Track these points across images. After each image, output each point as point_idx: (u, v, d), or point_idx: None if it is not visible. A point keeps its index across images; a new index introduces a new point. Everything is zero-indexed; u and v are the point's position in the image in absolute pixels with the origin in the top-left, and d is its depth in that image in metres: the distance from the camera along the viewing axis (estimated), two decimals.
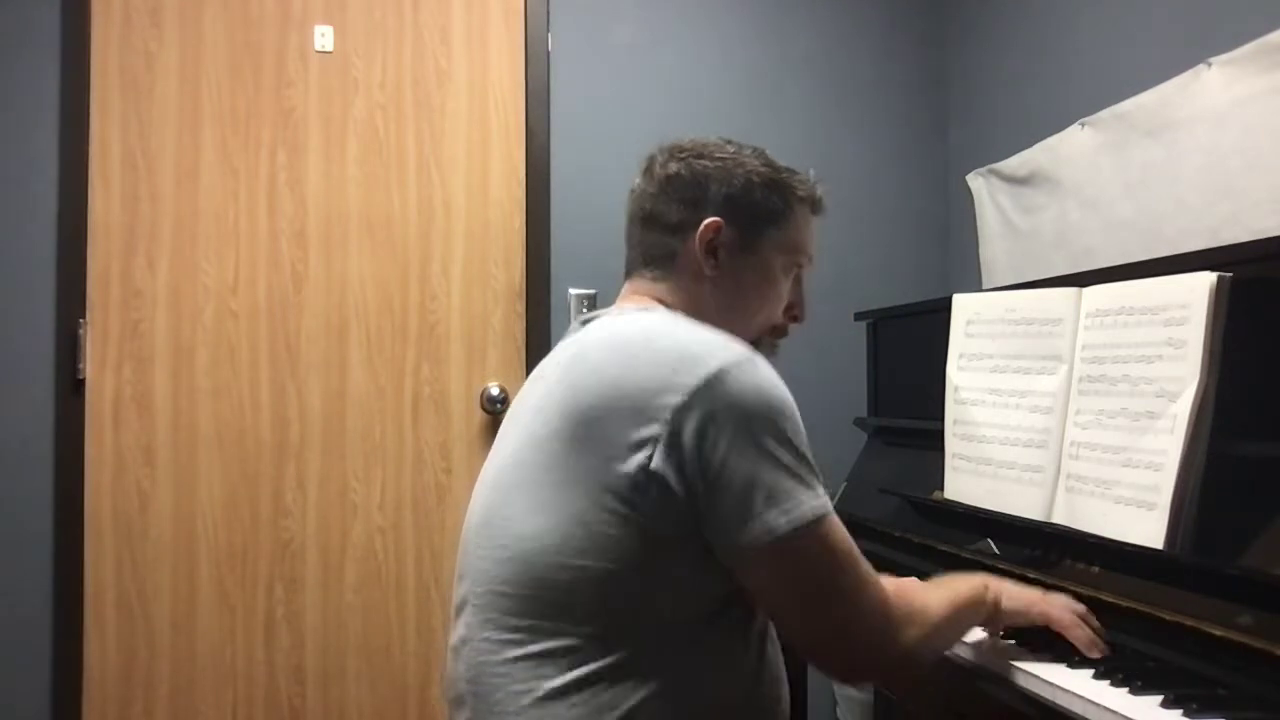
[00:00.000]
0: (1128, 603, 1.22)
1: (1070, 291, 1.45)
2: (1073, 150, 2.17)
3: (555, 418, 1.06)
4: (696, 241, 1.18)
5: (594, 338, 1.14)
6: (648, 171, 1.24)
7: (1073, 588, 1.32)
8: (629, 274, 1.25)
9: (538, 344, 2.51)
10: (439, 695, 2.45)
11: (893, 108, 2.82)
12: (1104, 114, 2.07)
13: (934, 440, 1.73)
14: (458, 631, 1.12)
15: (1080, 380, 1.40)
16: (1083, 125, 2.14)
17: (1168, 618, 1.16)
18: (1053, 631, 1.20)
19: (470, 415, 2.53)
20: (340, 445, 2.47)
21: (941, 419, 1.70)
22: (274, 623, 2.42)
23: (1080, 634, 1.17)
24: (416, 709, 2.48)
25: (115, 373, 2.36)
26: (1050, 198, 2.27)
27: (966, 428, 1.64)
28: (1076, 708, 1.07)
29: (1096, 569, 1.31)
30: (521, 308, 2.57)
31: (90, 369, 2.35)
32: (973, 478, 1.61)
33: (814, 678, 2.31)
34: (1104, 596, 1.26)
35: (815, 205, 1.26)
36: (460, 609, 1.13)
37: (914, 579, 1.36)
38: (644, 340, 1.08)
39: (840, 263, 2.70)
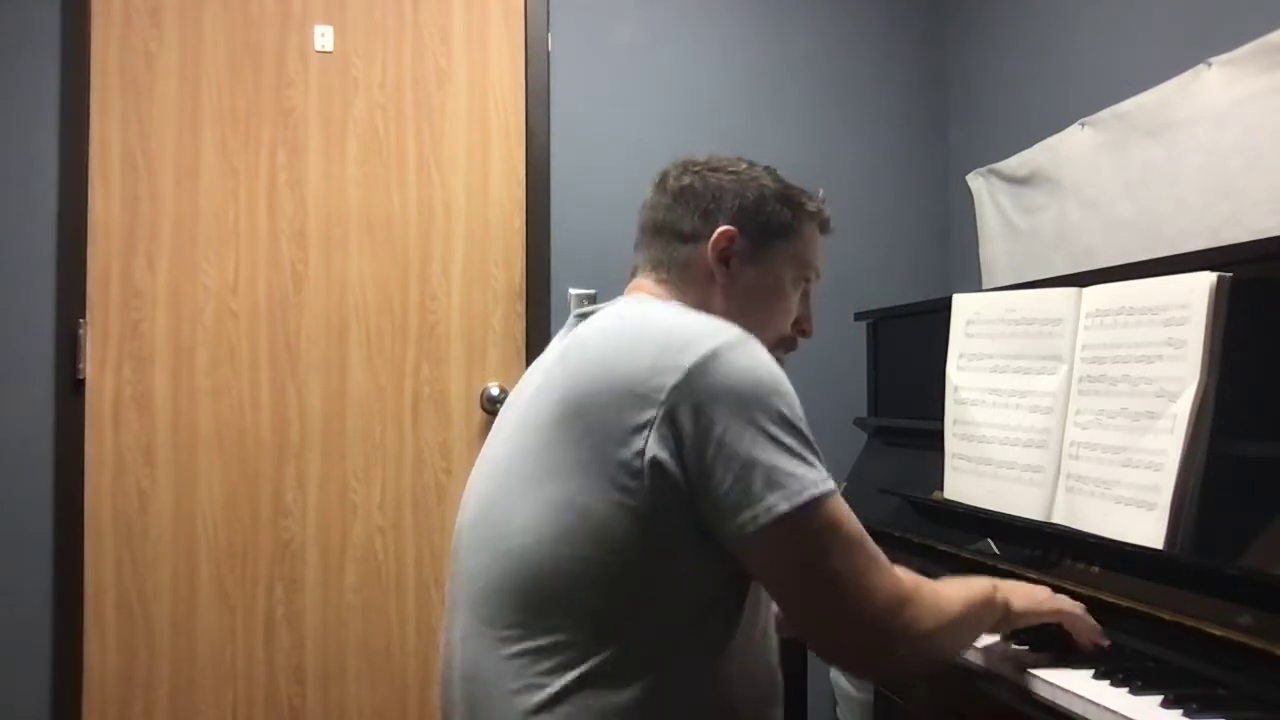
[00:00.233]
0: (1128, 603, 1.22)
1: (1070, 291, 1.45)
2: (1073, 150, 2.17)
3: (550, 406, 1.06)
4: (710, 249, 1.19)
5: (589, 329, 1.14)
6: (660, 185, 1.25)
7: (1073, 588, 1.32)
8: (634, 275, 1.25)
9: (538, 344, 2.51)
10: (440, 691, 2.45)
11: (893, 108, 2.82)
12: (1104, 114, 2.08)
13: (934, 440, 1.73)
14: (453, 629, 1.12)
15: (1080, 380, 1.40)
16: (1083, 125, 2.14)
17: (1168, 618, 1.16)
18: (1051, 631, 1.20)
19: (470, 415, 2.53)
20: (340, 445, 2.47)
21: (941, 419, 1.70)
22: (274, 623, 2.42)
23: (1086, 626, 1.18)
24: (416, 709, 2.48)
25: (115, 373, 2.36)
26: (1050, 198, 2.27)
27: (966, 428, 1.64)
28: (1076, 708, 1.07)
29: (1096, 569, 1.31)
30: (521, 308, 2.57)
31: (90, 369, 2.35)
32: (973, 478, 1.61)
33: (814, 677, 2.31)
34: (1104, 596, 1.26)
35: (824, 224, 1.28)
36: (454, 604, 1.13)
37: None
38: (637, 326, 1.08)
39: (840, 263, 2.67)
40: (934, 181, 2.84)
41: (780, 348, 1.27)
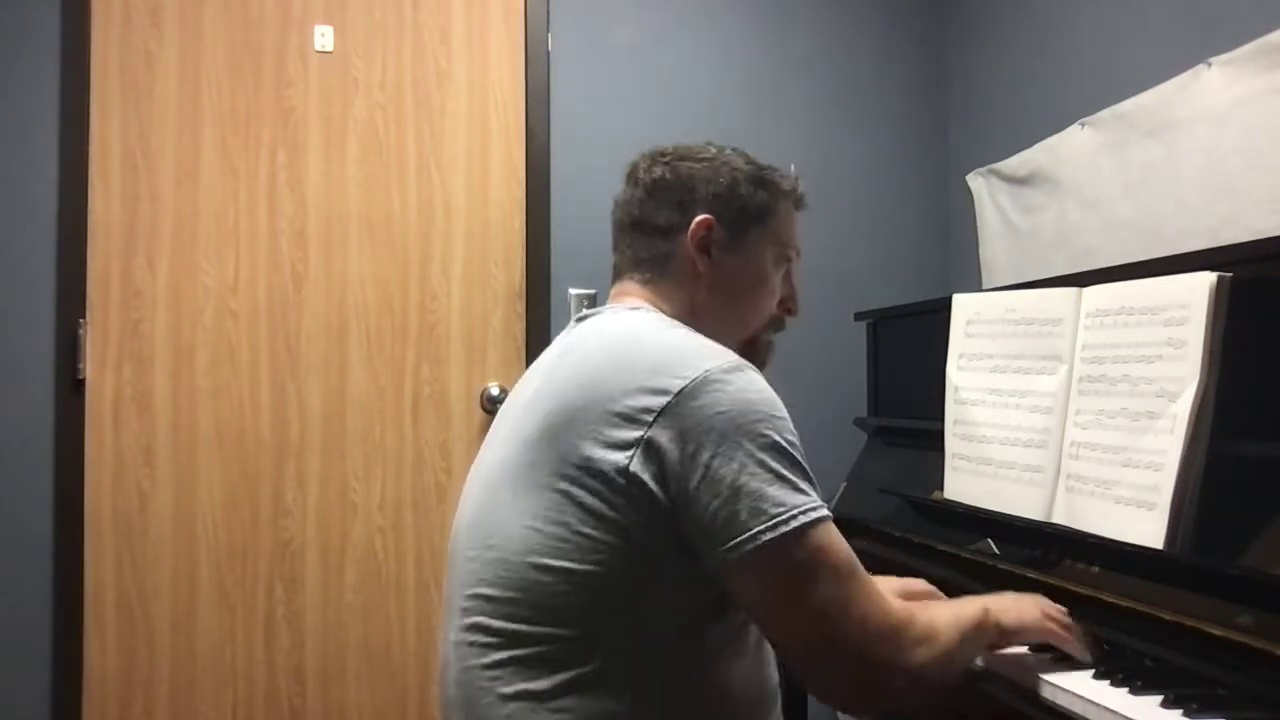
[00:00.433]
0: (1128, 603, 1.22)
1: (1070, 291, 1.45)
2: (1073, 150, 2.17)
3: (541, 417, 1.06)
4: (689, 240, 1.18)
5: (582, 337, 1.14)
6: (631, 178, 1.24)
7: (1073, 588, 1.32)
8: (617, 277, 1.25)
9: (538, 344, 2.51)
10: (438, 693, 2.45)
11: (893, 108, 2.82)
12: (1104, 114, 2.07)
13: (934, 440, 1.73)
14: (448, 631, 1.12)
15: (1080, 380, 1.40)
16: (1083, 125, 2.14)
17: (1168, 618, 1.16)
18: None
19: (470, 415, 2.53)
20: (340, 445, 2.47)
21: (941, 419, 1.70)
22: (274, 623, 2.42)
23: (1077, 649, 1.16)
24: (416, 709, 2.48)
25: (115, 373, 2.36)
26: (1050, 198, 2.27)
27: (966, 428, 1.64)
28: (1076, 707, 1.07)
29: (1096, 569, 1.31)
30: (521, 308, 2.57)
31: (90, 369, 2.35)
32: (973, 478, 1.61)
33: None
34: (1104, 596, 1.26)
35: (798, 201, 1.27)
36: (450, 607, 1.13)
37: (909, 583, 1.36)
38: (630, 342, 1.08)
39: (840, 263, 2.70)
40: (934, 181, 2.83)
41: (769, 329, 1.26)
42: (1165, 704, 1.02)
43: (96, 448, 2.34)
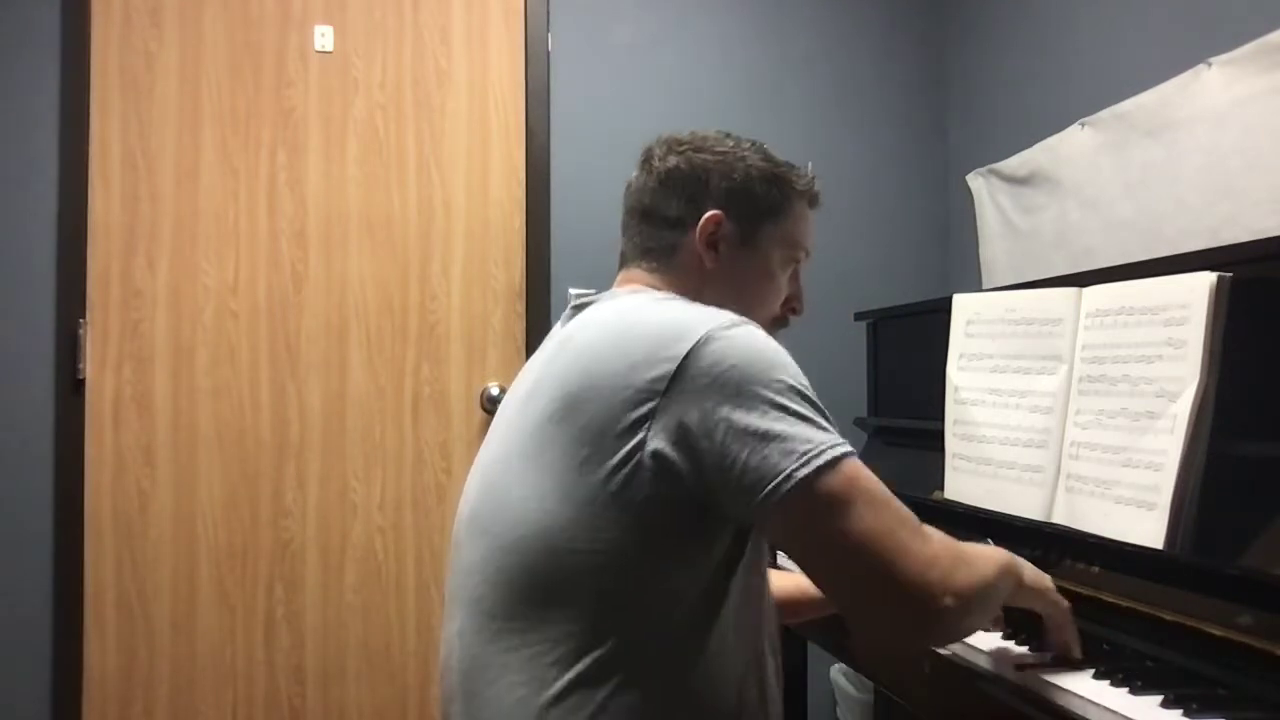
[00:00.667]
0: (1128, 603, 1.22)
1: (1070, 291, 1.45)
2: (1073, 150, 2.17)
3: (546, 402, 1.05)
4: (698, 234, 1.17)
5: (582, 324, 1.14)
6: (645, 165, 1.22)
7: (1073, 588, 1.31)
8: (622, 265, 1.24)
9: (538, 344, 2.46)
10: (439, 686, 2.45)
11: (893, 108, 2.82)
12: (1104, 114, 2.07)
13: (934, 440, 1.73)
14: (451, 623, 1.12)
15: (1080, 380, 1.40)
16: (1083, 125, 2.14)
17: (1168, 618, 1.16)
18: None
19: (470, 415, 2.53)
20: (340, 445, 2.47)
21: (941, 419, 1.70)
22: (274, 623, 2.42)
23: (1067, 638, 1.15)
24: (416, 709, 2.48)
25: (115, 373, 2.36)
26: (1050, 198, 2.27)
27: (966, 428, 1.64)
28: (1076, 707, 1.07)
29: (1096, 569, 1.31)
30: (521, 308, 2.57)
31: (90, 369, 2.35)
32: (973, 478, 1.61)
33: (814, 677, 2.31)
34: (1104, 596, 1.26)
35: (813, 200, 1.26)
36: (453, 599, 1.13)
37: None
38: (630, 318, 1.07)
39: (840, 263, 2.70)
40: (934, 181, 2.84)
41: (771, 329, 1.24)
42: (1165, 704, 1.02)
43: (96, 448, 2.34)
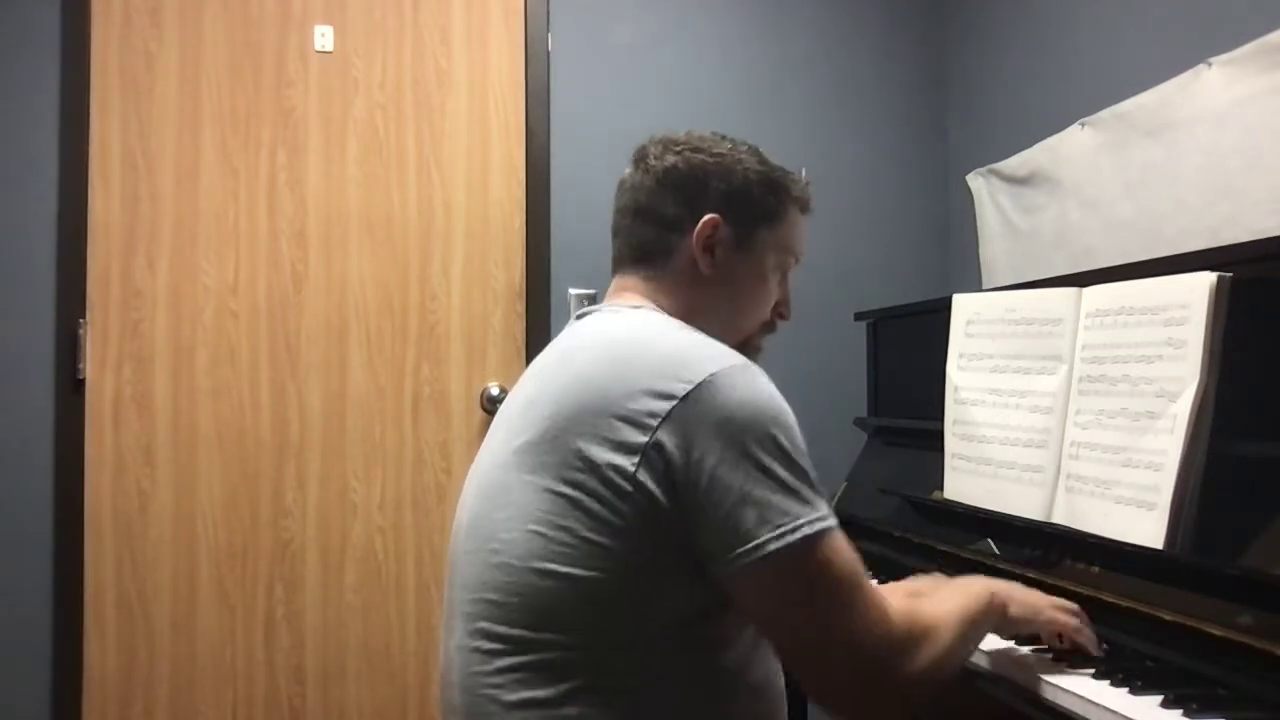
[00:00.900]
0: (1128, 603, 1.22)
1: (1070, 291, 1.45)
2: (1073, 150, 2.17)
3: (541, 419, 1.05)
4: (694, 238, 1.16)
5: (584, 337, 1.13)
6: (640, 163, 1.21)
7: (1073, 588, 1.32)
8: (617, 269, 1.22)
9: (538, 344, 2.51)
10: (439, 696, 2.45)
11: (893, 108, 2.82)
12: (1104, 114, 2.07)
13: (934, 440, 1.73)
14: (450, 636, 1.11)
15: (1080, 380, 1.40)
16: (1083, 125, 2.14)
17: (1168, 618, 1.16)
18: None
19: (470, 415, 2.53)
20: (340, 445, 2.47)
21: (941, 419, 1.70)
22: (274, 623, 2.42)
23: (1085, 637, 1.16)
24: (416, 709, 2.48)
25: (115, 373, 2.36)
26: (1050, 198, 2.27)
27: (966, 428, 1.64)
28: (1076, 707, 1.07)
29: (1096, 569, 1.31)
30: (521, 308, 2.57)
31: (90, 369, 2.35)
32: (973, 478, 1.61)
33: None
34: (1104, 596, 1.26)
35: (805, 206, 1.25)
36: (451, 611, 1.12)
37: (919, 582, 1.35)
38: (633, 344, 1.06)
39: (840, 263, 2.70)
40: (934, 181, 2.83)
41: (760, 333, 1.24)
42: (1165, 704, 1.02)
43: (96, 448, 2.34)
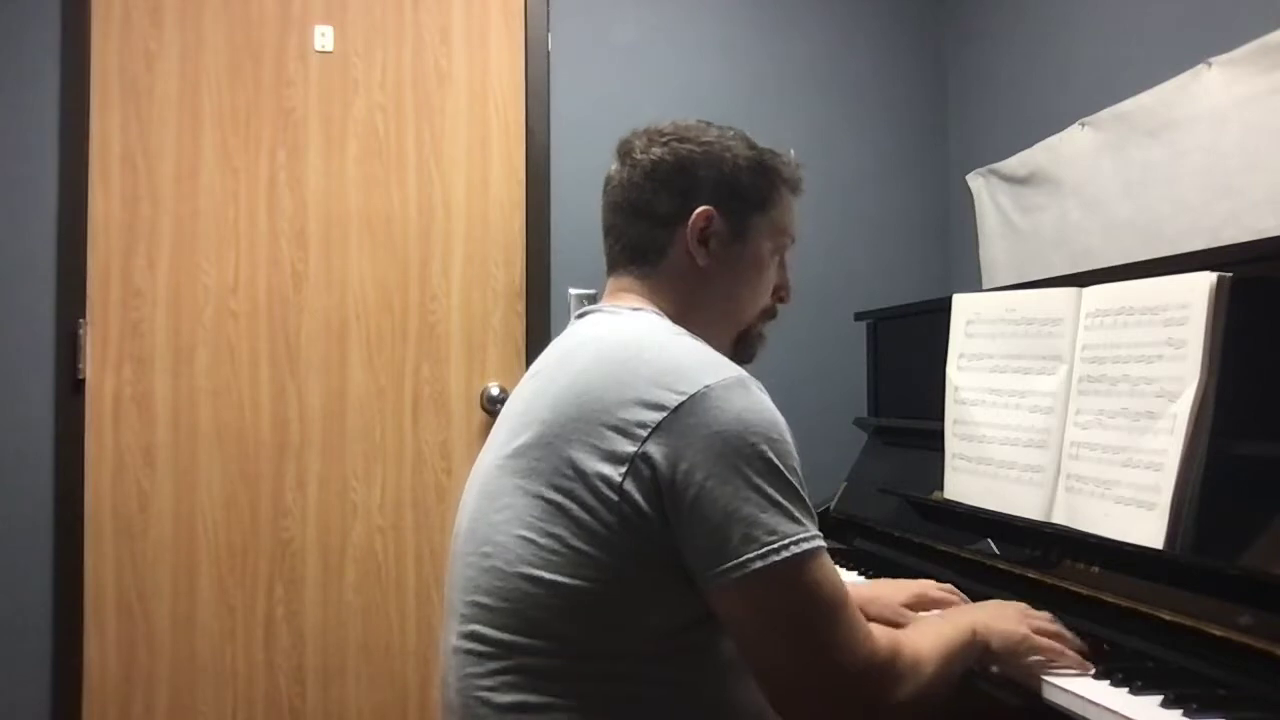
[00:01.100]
0: (1128, 603, 1.22)
1: (1070, 291, 1.45)
2: (1073, 150, 2.17)
3: (535, 423, 1.04)
4: (689, 232, 1.14)
5: (580, 342, 1.12)
6: (626, 157, 1.18)
7: (1073, 588, 1.32)
8: (612, 269, 1.20)
9: (538, 344, 2.51)
10: (439, 695, 2.45)
11: (893, 108, 2.82)
12: (1104, 114, 2.07)
13: (934, 440, 1.73)
14: (448, 636, 1.11)
15: (1080, 380, 1.40)
16: (1083, 125, 2.14)
17: (1168, 618, 1.16)
18: None
19: (470, 415, 2.53)
20: (340, 445, 2.47)
21: (941, 419, 1.70)
22: (274, 623, 2.42)
23: (1069, 660, 1.14)
24: (416, 709, 2.48)
25: (115, 373, 2.36)
26: (1050, 198, 2.27)
27: (966, 428, 1.64)
28: (1076, 707, 1.07)
29: (1096, 569, 1.31)
30: (521, 308, 2.57)
31: (90, 369, 2.35)
32: (973, 478, 1.61)
33: None
34: (1104, 596, 1.26)
35: (796, 187, 1.22)
36: (449, 613, 1.12)
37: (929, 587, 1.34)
38: (628, 350, 1.04)
39: (840, 263, 2.70)
40: (934, 181, 2.83)
41: (761, 320, 1.23)
42: (1165, 704, 1.02)
43: (96, 448, 2.34)
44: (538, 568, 0.99)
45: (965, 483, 1.63)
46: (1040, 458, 1.46)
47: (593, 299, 2.53)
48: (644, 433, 0.97)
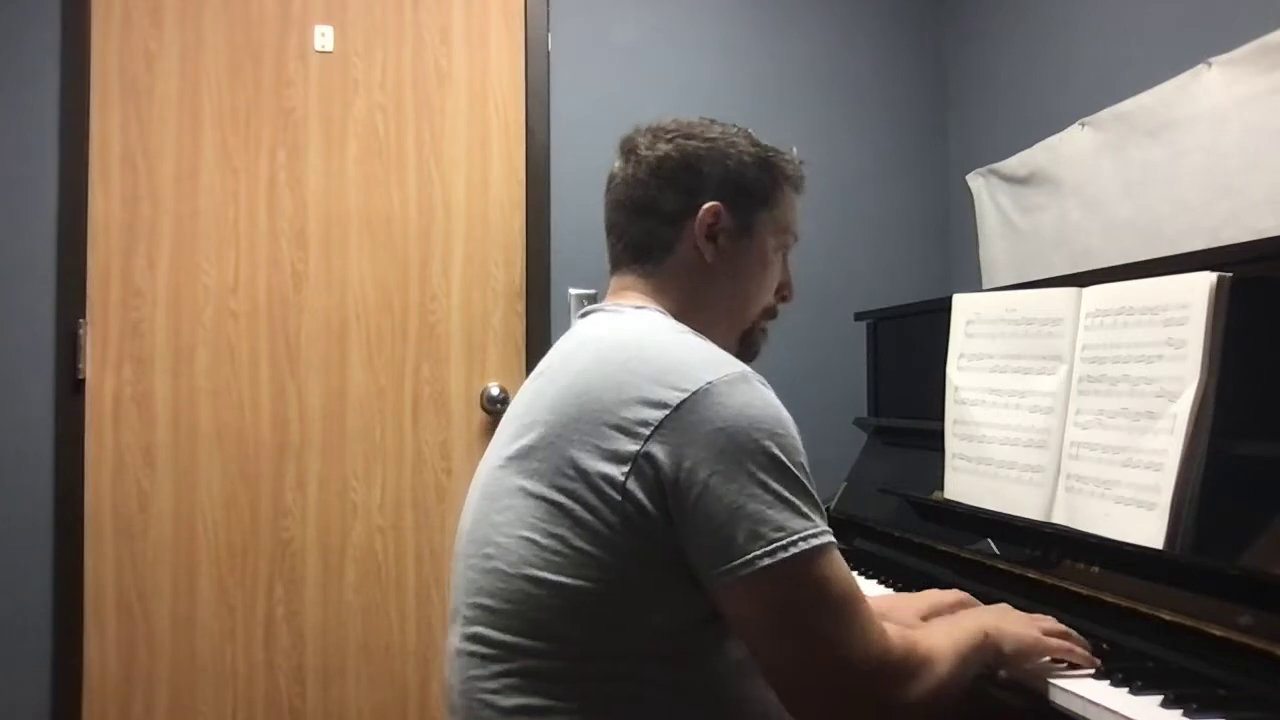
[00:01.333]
0: (1128, 603, 1.22)
1: (1070, 291, 1.45)
2: (1073, 150, 2.17)
3: (538, 424, 1.04)
4: (696, 228, 1.14)
5: (582, 341, 1.11)
6: (630, 155, 1.17)
7: (1073, 588, 1.32)
8: (615, 268, 1.20)
9: (538, 344, 2.51)
10: (439, 695, 2.45)
11: (893, 108, 2.82)
12: (1104, 114, 2.07)
13: (934, 440, 1.73)
14: (452, 637, 1.11)
15: (1080, 380, 1.40)
16: (1083, 125, 2.14)
17: (1168, 618, 1.16)
18: None
19: (470, 415, 2.53)
20: (340, 445, 2.47)
21: (941, 419, 1.70)
22: (274, 623, 2.42)
23: (1079, 657, 1.14)
24: (416, 709, 2.48)
25: (115, 373, 2.36)
26: (1050, 198, 2.27)
27: (966, 428, 1.64)
28: (1076, 707, 1.07)
29: (1096, 569, 1.31)
30: (521, 308, 2.57)
31: (90, 369, 2.35)
32: (973, 478, 1.61)
33: None
34: (1104, 596, 1.26)
35: (798, 184, 1.22)
36: (453, 614, 1.11)
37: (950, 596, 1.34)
38: (630, 349, 1.04)
39: (840, 263, 2.70)
40: (934, 181, 2.83)
41: (765, 318, 1.23)
42: (1165, 704, 1.02)
43: (96, 448, 2.34)
44: (540, 569, 0.99)
45: (965, 483, 1.63)
46: (1040, 458, 1.46)
47: (593, 299, 2.53)
48: (646, 431, 0.96)
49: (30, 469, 2.29)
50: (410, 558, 2.49)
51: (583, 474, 0.98)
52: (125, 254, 2.38)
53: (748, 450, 0.95)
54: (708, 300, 1.16)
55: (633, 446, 0.96)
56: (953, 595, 1.38)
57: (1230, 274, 1.19)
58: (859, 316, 2.33)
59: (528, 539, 1.00)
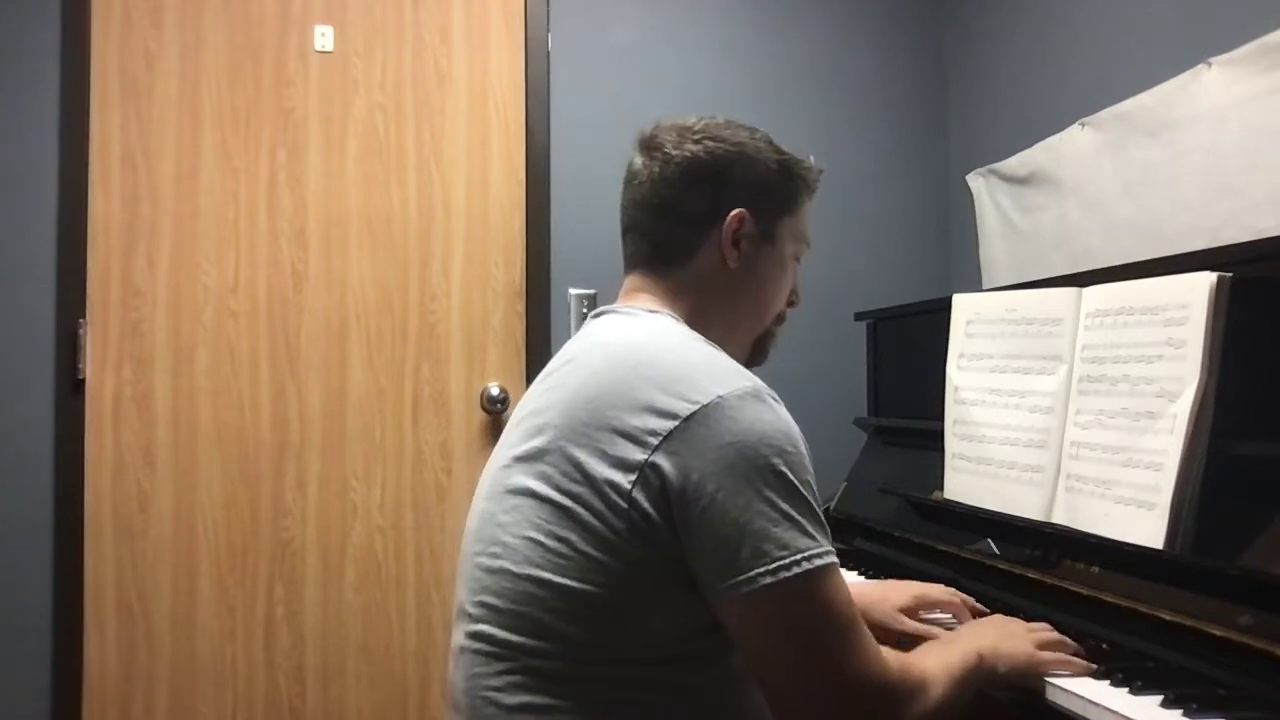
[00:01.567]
0: (1128, 603, 1.22)
1: (1070, 291, 1.45)
2: (1073, 150, 2.17)
3: (546, 426, 1.04)
4: (723, 234, 1.13)
5: (595, 342, 1.11)
6: (656, 151, 1.15)
7: (1073, 588, 1.32)
8: (631, 267, 1.19)
9: (538, 344, 2.51)
10: (439, 695, 2.45)
11: (893, 108, 2.82)
12: (1104, 114, 2.07)
13: (934, 440, 1.73)
14: (456, 638, 1.10)
15: (1080, 380, 1.40)
16: (1083, 125, 2.14)
17: (1168, 618, 1.16)
18: None
19: (470, 415, 2.53)
20: (340, 445, 2.47)
21: (941, 419, 1.70)
22: (274, 623, 2.42)
23: (1076, 667, 1.14)
24: (416, 709, 2.48)
25: (115, 373, 2.36)
26: (1050, 198, 2.27)
27: (966, 428, 1.64)
28: (1076, 707, 1.07)
29: (1096, 569, 1.31)
30: (521, 308, 2.57)
31: (90, 369, 2.35)
32: (973, 478, 1.61)
33: None
34: (1104, 596, 1.26)
35: (814, 192, 1.24)
36: (458, 613, 1.11)
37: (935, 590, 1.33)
38: (641, 355, 1.03)
39: (840, 263, 2.70)
40: (934, 181, 2.83)
41: (775, 324, 1.23)
42: (1165, 704, 1.02)
43: (96, 448, 2.34)
44: (545, 570, 0.99)
45: (965, 483, 1.63)
46: (1040, 458, 1.46)
47: (593, 299, 2.53)
48: (654, 441, 0.96)
49: (30, 469, 2.29)
50: (410, 558, 2.49)
51: (590, 479, 0.98)
52: (125, 254, 2.38)
53: (756, 467, 0.95)
54: (727, 304, 1.16)
55: (640, 455, 0.96)
56: (938, 589, 1.38)
57: (1230, 274, 1.19)
58: (859, 316, 2.33)
59: (534, 540, 1.00)
